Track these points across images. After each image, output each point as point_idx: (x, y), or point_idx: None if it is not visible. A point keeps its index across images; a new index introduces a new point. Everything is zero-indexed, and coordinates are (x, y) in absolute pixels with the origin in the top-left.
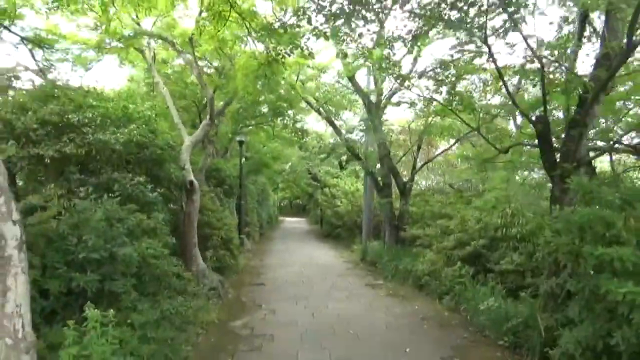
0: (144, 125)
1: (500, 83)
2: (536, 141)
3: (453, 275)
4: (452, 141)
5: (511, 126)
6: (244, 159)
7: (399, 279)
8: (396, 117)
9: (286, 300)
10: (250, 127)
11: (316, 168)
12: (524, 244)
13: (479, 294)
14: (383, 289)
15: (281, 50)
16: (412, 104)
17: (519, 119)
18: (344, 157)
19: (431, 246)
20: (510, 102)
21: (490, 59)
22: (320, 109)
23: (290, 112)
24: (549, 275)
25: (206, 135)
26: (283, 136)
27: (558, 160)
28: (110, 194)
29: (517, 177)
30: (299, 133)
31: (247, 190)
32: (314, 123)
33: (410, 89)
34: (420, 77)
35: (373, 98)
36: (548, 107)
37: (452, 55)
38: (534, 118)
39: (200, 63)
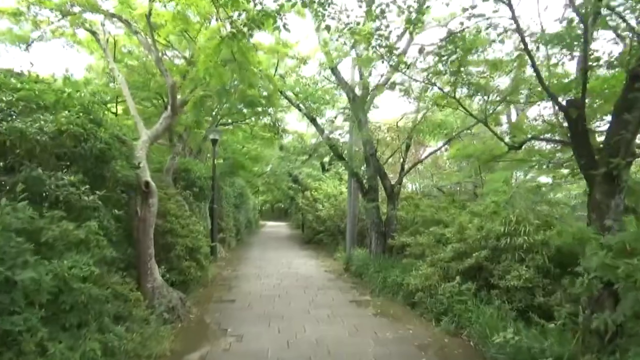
0: (81, 114)
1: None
2: (556, 135)
3: (452, 292)
4: (441, 141)
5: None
6: (219, 160)
7: (387, 294)
8: (382, 117)
9: (258, 321)
10: (228, 127)
11: (297, 170)
12: (531, 256)
13: (485, 316)
14: (370, 307)
15: (247, 22)
16: (406, 92)
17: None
18: (326, 159)
19: (424, 256)
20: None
21: (513, 26)
22: (301, 105)
23: (270, 109)
24: (594, 305)
25: (167, 130)
26: (262, 136)
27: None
28: (31, 197)
29: (513, 180)
30: (277, 126)
31: (222, 193)
32: (294, 123)
33: (404, 72)
34: (420, 52)
35: (358, 91)
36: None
37: (461, 23)
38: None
39: (168, 53)
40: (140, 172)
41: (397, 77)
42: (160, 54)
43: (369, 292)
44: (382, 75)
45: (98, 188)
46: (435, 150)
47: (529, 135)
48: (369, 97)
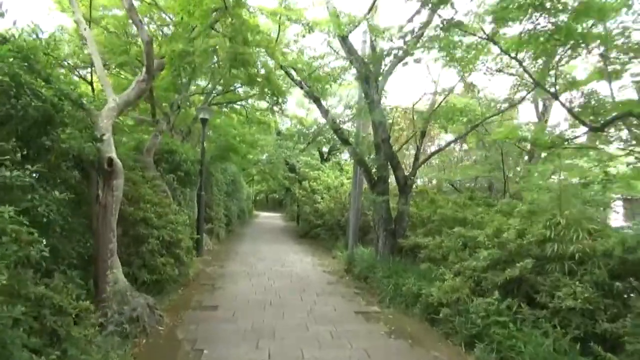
0: (14, 61)
1: None
2: None
3: (487, 311)
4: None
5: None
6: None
7: (400, 305)
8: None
9: (243, 340)
10: (224, 110)
11: (295, 159)
12: (586, 268)
13: (536, 345)
14: (381, 322)
15: None
16: (450, 54)
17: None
18: (325, 149)
19: (445, 262)
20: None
21: None
22: (303, 83)
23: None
24: None
25: (140, 96)
26: (259, 120)
27: None
28: None
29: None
30: (277, 97)
31: (212, 180)
32: (294, 108)
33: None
34: None
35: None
36: None
37: None
38: None
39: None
40: (103, 147)
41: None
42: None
43: (376, 300)
44: (399, 49)
45: (30, 161)
46: (459, 138)
47: (616, 114)
48: (385, 70)
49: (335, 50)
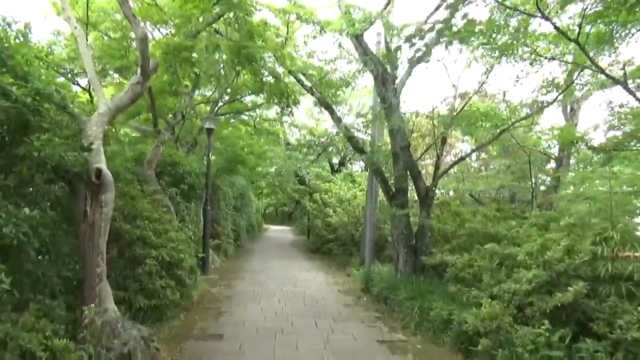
0: None
1: None
2: None
3: (535, 343)
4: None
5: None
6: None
7: (427, 332)
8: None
9: None
10: (232, 121)
11: (305, 170)
12: None
13: None
14: (409, 354)
15: None
16: (491, 40)
17: None
18: (336, 160)
19: (477, 282)
20: None
21: None
22: (314, 89)
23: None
24: None
25: (134, 100)
26: (268, 130)
27: None
28: None
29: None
30: (288, 95)
31: (219, 193)
32: (303, 117)
33: None
34: None
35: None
36: None
37: None
38: None
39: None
40: (92, 157)
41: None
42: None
43: (400, 326)
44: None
45: (6, 173)
46: (485, 144)
47: None
48: (402, 74)
49: (347, 52)
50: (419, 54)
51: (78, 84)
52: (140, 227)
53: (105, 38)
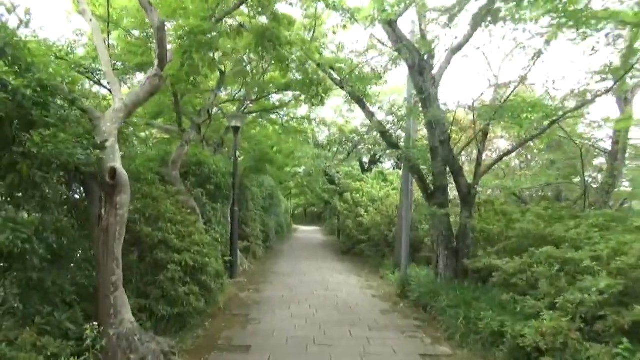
0: None
1: None
2: None
3: None
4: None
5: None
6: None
7: (476, 344)
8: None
9: None
10: (260, 120)
11: (334, 169)
12: None
13: None
14: None
15: None
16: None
17: None
18: (366, 160)
19: (532, 289)
20: None
21: None
22: (344, 83)
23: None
24: None
25: (153, 94)
26: (295, 129)
27: None
28: None
29: None
30: (317, 83)
31: (247, 194)
32: (332, 115)
33: None
34: None
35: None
36: None
37: None
38: None
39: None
40: (106, 155)
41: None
42: None
43: (444, 337)
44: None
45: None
46: (533, 138)
47: None
48: (441, 61)
49: (380, 42)
50: (459, 39)
51: (100, 83)
52: (162, 230)
53: (127, 36)
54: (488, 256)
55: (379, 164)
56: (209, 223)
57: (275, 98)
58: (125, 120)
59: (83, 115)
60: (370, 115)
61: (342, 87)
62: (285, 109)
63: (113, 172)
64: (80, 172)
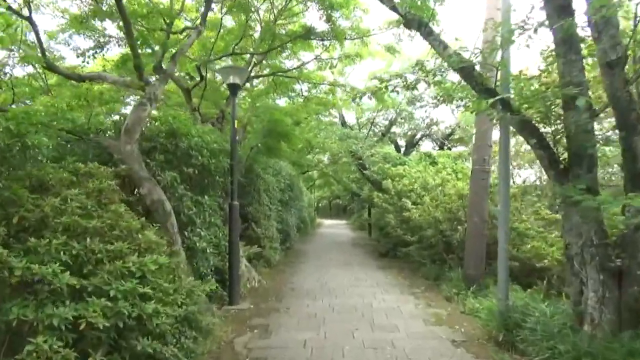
0: None
1: None
2: None
3: None
4: None
5: None
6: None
7: None
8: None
9: None
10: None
11: (367, 151)
12: None
13: None
14: None
15: None
16: None
17: None
18: (402, 142)
19: None
20: None
21: None
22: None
23: None
24: None
25: None
26: (318, 100)
27: None
28: None
29: None
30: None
31: (257, 183)
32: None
33: None
34: None
35: None
36: None
37: None
38: None
39: None
40: None
41: None
42: None
43: None
44: None
45: None
46: None
47: None
48: None
49: None
50: None
51: None
52: (40, 253)
53: None
54: None
55: (418, 146)
56: (190, 226)
57: (289, 65)
58: None
59: None
60: (441, 46)
61: (394, 10)
62: (304, 69)
63: None
64: None
